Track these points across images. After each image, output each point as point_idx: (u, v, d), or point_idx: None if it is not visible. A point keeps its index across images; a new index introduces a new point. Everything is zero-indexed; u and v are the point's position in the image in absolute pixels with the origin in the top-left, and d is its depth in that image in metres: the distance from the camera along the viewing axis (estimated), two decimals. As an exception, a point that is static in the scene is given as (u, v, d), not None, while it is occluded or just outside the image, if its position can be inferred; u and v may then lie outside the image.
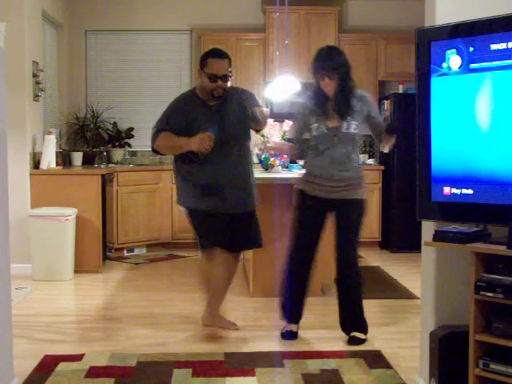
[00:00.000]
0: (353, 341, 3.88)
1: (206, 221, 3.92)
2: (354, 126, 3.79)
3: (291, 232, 4.03)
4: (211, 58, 3.87)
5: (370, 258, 6.64)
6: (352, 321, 3.96)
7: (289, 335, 3.99)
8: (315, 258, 4.00)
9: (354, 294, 3.95)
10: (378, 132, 3.91)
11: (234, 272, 4.15)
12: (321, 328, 4.21)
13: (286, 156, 5.48)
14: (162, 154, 4.06)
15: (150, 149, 3.95)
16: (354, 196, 3.85)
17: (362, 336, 3.92)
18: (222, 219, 3.92)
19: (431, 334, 2.98)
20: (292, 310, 4.04)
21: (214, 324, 4.07)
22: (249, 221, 4.03)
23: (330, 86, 3.76)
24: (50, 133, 6.03)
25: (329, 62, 3.74)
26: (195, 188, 3.90)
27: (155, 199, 7.06)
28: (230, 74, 3.89)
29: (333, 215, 3.93)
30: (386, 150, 3.95)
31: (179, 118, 3.88)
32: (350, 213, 3.87)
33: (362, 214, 3.90)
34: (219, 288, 4.04)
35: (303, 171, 4.05)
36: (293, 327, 4.03)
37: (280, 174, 5.17)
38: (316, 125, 3.82)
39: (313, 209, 3.92)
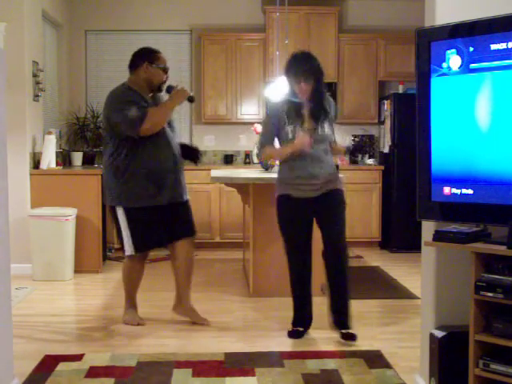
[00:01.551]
0: (346, 336, 3.89)
1: (147, 220, 4.15)
2: (326, 128, 3.90)
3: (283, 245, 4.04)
4: (158, 53, 4.26)
5: (370, 258, 6.64)
6: (343, 313, 3.93)
7: (294, 334, 4.02)
8: (311, 264, 4.06)
9: (341, 279, 3.92)
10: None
11: (191, 259, 4.48)
12: (321, 328, 4.20)
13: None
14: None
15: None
16: (333, 186, 3.92)
17: (352, 331, 3.93)
18: (160, 214, 4.17)
19: (431, 334, 2.98)
20: (297, 314, 4.09)
21: (186, 315, 4.35)
22: (188, 206, 4.39)
23: (305, 91, 3.84)
24: (49, 133, 6.03)
25: (305, 66, 3.81)
26: (150, 183, 4.07)
27: (155, 199, 7.05)
28: None
29: (317, 210, 3.94)
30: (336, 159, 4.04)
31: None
32: (332, 201, 3.92)
33: (343, 201, 3.96)
34: (184, 279, 4.37)
35: (279, 176, 4.01)
36: (299, 328, 4.05)
37: (280, 173, 5.16)
38: (291, 127, 3.86)
39: (300, 213, 3.92)
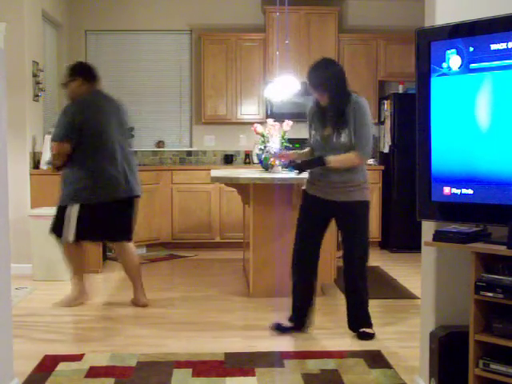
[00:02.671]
0: (363, 335, 3.95)
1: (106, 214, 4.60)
2: (344, 135, 3.85)
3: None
4: None
5: (370, 257, 6.60)
6: (358, 317, 4.03)
7: (276, 327, 4.08)
8: (317, 259, 4.07)
9: (357, 291, 4.02)
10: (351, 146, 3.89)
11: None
12: (321, 328, 4.21)
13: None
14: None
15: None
16: (352, 198, 3.90)
17: (370, 331, 3.99)
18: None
19: (431, 333, 2.98)
20: (294, 313, 4.12)
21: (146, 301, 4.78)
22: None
23: (321, 99, 3.89)
24: (50, 133, 6.02)
25: (313, 79, 3.85)
26: (111, 178, 4.53)
27: (155, 199, 7.06)
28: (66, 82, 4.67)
29: (335, 218, 4.04)
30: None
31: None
32: (349, 215, 3.95)
33: (362, 215, 3.96)
34: (139, 271, 4.83)
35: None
36: (285, 323, 4.11)
37: (280, 174, 5.17)
38: (314, 132, 3.98)
39: (312, 208, 4.01)
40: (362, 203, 3.94)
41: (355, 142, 3.82)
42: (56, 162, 4.57)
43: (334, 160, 3.83)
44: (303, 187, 4.13)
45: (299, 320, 4.10)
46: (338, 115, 3.84)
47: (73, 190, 4.53)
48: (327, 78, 3.85)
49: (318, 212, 4.01)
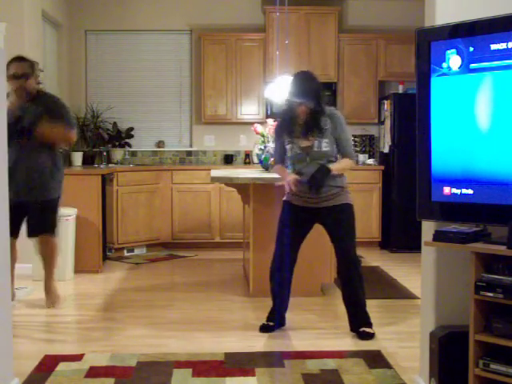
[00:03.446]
0: (363, 335, 3.97)
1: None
2: (325, 144, 3.93)
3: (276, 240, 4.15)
4: (8, 64, 4.38)
5: (370, 258, 6.64)
6: (357, 317, 4.05)
7: (266, 328, 4.12)
8: (293, 268, 4.14)
9: (355, 291, 4.04)
10: (341, 155, 4.02)
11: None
12: (321, 328, 4.21)
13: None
14: None
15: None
16: (338, 202, 3.99)
17: (370, 330, 4.01)
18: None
19: (431, 333, 2.98)
20: (277, 313, 4.17)
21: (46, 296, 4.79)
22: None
23: (302, 112, 3.93)
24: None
25: (299, 89, 3.90)
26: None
27: (155, 199, 7.06)
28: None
29: (322, 223, 4.09)
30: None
31: None
32: (338, 218, 4.02)
33: (352, 217, 4.06)
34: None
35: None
36: (269, 323, 4.16)
37: (280, 174, 5.16)
38: (290, 146, 4.00)
39: (298, 218, 4.07)
40: (349, 206, 4.04)
41: (344, 149, 3.99)
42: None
43: (336, 168, 3.93)
44: (284, 198, 4.13)
45: (279, 320, 4.17)
46: (315, 125, 3.92)
47: (58, 181, 4.73)
48: (311, 89, 3.91)
49: (304, 221, 4.07)
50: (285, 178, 4.02)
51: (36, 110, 4.56)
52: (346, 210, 4.02)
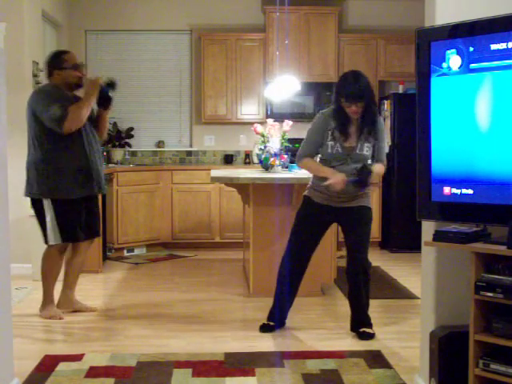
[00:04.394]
0: (363, 335, 3.97)
1: (73, 212, 4.37)
2: (366, 148, 3.91)
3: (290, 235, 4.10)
4: (65, 54, 4.50)
5: (370, 258, 6.59)
6: (358, 318, 4.05)
7: (267, 328, 4.11)
8: (307, 267, 4.12)
9: (359, 292, 4.03)
10: (376, 160, 3.98)
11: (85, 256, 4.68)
12: (321, 328, 4.21)
13: (285, 156, 5.50)
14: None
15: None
16: (361, 203, 3.98)
17: (370, 331, 4.01)
18: (82, 207, 4.41)
19: (431, 333, 2.98)
20: (279, 313, 4.15)
21: (72, 308, 4.54)
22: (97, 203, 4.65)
23: (356, 112, 3.84)
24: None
25: (356, 87, 3.77)
26: (76, 175, 4.31)
27: (155, 199, 7.07)
28: None
29: (340, 222, 4.06)
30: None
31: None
32: (358, 218, 3.99)
33: (370, 219, 4.04)
34: (77, 275, 4.60)
35: (311, 179, 4.10)
36: (270, 322, 4.15)
37: (280, 173, 5.17)
38: (332, 143, 3.90)
39: (318, 216, 4.02)
40: (370, 209, 4.04)
41: (381, 155, 3.98)
42: None
43: (376, 170, 3.93)
44: (305, 193, 4.08)
45: (280, 320, 4.16)
46: (370, 128, 3.88)
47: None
48: (367, 88, 3.82)
49: (323, 219, 4.03)
50: (329, 174, 3.85)
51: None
52: (366, 212, 4.01)
